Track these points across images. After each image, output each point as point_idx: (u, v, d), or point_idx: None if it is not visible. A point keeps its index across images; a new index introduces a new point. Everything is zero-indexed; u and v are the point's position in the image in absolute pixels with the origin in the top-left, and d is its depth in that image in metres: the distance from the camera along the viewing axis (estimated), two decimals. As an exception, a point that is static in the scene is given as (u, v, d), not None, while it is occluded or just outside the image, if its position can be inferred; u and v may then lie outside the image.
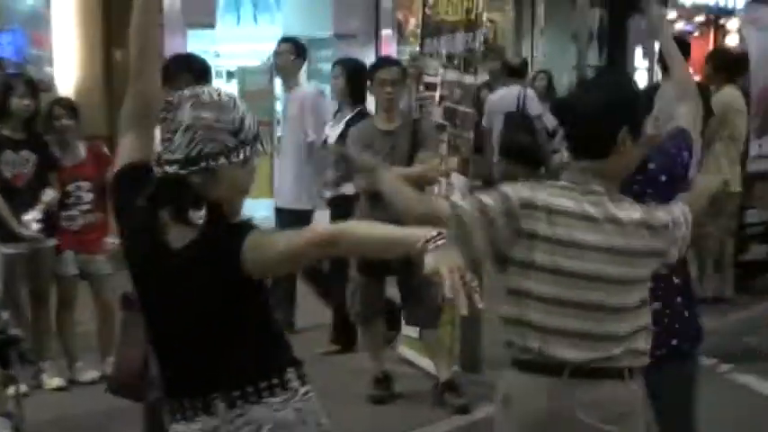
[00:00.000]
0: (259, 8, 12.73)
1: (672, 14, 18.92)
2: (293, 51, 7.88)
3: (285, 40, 8.24)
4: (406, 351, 7.00)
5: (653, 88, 4.86)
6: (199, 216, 2.77)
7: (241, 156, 2.79)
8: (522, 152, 9.84)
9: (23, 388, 6.14)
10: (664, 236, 3.08)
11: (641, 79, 16.97)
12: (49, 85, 9.59)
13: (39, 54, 10.25)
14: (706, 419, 3.90)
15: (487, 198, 3.03)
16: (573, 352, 3.00)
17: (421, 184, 6.23)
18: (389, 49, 12.68)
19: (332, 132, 7.35)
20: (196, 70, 5.21)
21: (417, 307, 6.29)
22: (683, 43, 6.74)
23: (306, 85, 8.46)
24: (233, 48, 12.29)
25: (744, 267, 9.31)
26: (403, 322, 6.77)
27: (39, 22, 10.24)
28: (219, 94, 2.82)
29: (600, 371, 3.03)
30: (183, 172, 2.77)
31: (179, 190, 2.77)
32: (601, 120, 3.05)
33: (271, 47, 9.07)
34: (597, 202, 3.04)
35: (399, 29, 12.98)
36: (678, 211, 3.15)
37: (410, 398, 6.39)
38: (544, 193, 3.04)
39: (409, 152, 6.27)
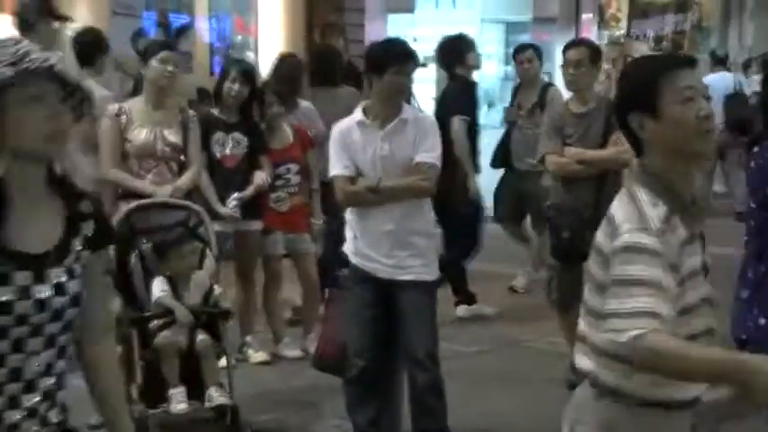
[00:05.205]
0: (458, -8, 12.77)
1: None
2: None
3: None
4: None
5: None
6: None
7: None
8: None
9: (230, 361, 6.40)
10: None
11: None
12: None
13: (243, 40, 10.57)
14: None
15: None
16: None
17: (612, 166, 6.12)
18: (589, 32, 12.48)
19: None
20: None
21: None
22: None
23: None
24: (431, 32, 12.34)
25: None
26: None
27: (246, 9, 10.57)
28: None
29: None
30: None
31: None
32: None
33: (469, 30, 9.11)
34: None
35: (600, 12, 12.76)
36: None
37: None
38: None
39: (603, 134, 6.15)
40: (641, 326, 2.49)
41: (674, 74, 2.66)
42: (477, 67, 8.21)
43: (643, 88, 2.68)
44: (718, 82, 11.89)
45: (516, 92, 8.72)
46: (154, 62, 5.92)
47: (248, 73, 6.76)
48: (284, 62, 7.48)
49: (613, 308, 2.55)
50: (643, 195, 2.66)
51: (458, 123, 7.71)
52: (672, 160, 2.67)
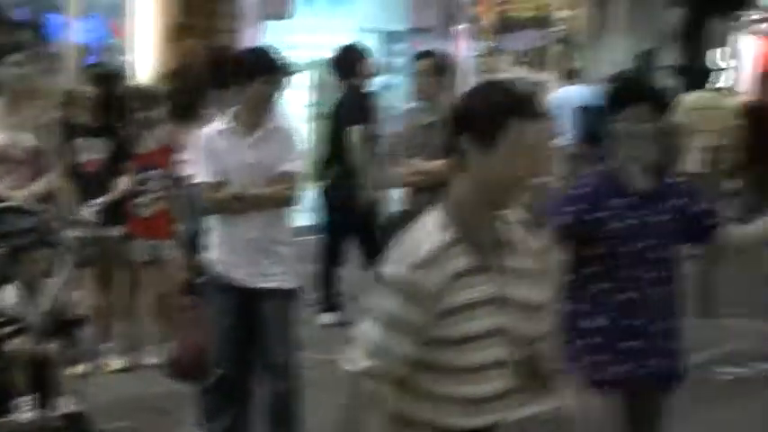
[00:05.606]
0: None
1: (755, 15, 18.67)
2: None
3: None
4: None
5: None
6: None
7: None
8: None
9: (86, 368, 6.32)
10: None
11: (718, 79, 16.72)
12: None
13: (115, 43, 10.44)
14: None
15: None
16: None
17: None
18: (464, 43, 12.66)
19: None
20: None
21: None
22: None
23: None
24: (309, 39, 12.35)
25: None
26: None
27: (117, 11, 10.43)
28: None
29: None
30: None
31: None
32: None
33: (347, 39, 9.13)
34: None
35: (475, 24, 12.94)
36: None
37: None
38: None
39: (444, 147, 6.19)
40: (366, 362, 2.58)
41: (524, 121, 2.49)
42: (373, 75, 8.16)
43: (488, 120, 2.50)
44: (569, 95, 12.28)
45: None
46: (5, 65, 5.82)
47: (103, 77, 6.72)
48: (188, 72, 7.30)
49: (356, 333, 2.62)
50: (436, 218, 2.57)
51: (355, 134, 7.67)
52: (480, 194, 2.55)
